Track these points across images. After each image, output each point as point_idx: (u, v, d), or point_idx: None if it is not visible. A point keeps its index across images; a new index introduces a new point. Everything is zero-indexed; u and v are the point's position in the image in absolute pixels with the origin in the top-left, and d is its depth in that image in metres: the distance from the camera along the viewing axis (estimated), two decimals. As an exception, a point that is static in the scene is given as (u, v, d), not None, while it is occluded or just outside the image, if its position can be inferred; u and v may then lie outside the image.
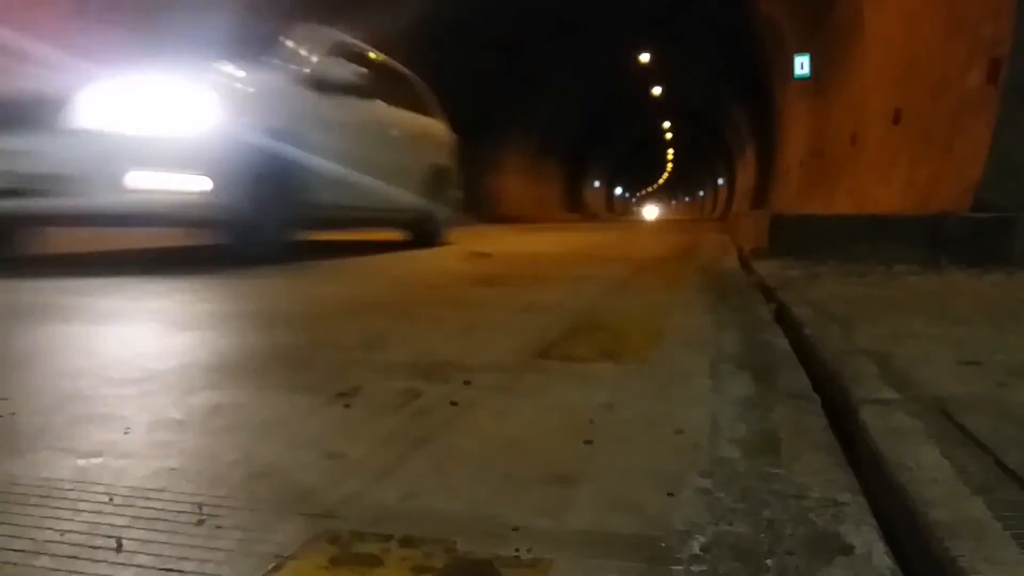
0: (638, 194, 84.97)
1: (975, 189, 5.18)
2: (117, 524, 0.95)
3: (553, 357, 1.95)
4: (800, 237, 5.03)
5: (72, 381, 1.66)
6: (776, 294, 3.18)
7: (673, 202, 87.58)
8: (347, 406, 1.49)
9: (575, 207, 41.71)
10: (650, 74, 28.76)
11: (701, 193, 66.52)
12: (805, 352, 2.05)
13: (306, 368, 1.83)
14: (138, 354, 1.98)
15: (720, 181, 47.13)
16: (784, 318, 2.70)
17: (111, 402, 1.50)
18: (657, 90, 32.11)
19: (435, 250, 6.94)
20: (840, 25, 10.16)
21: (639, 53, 25.64)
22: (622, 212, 69.06)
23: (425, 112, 7.52)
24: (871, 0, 8.59)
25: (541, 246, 7.74)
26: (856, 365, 1.75)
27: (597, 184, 51.98)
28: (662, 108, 36.83)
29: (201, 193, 4.20)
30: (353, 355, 1.98)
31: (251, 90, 4.78)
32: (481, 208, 24.07)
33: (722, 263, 5.03)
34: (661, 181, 78.76)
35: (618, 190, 68.75)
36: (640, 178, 73.52)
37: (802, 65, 12.37)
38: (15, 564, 0.86)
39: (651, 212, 73.13)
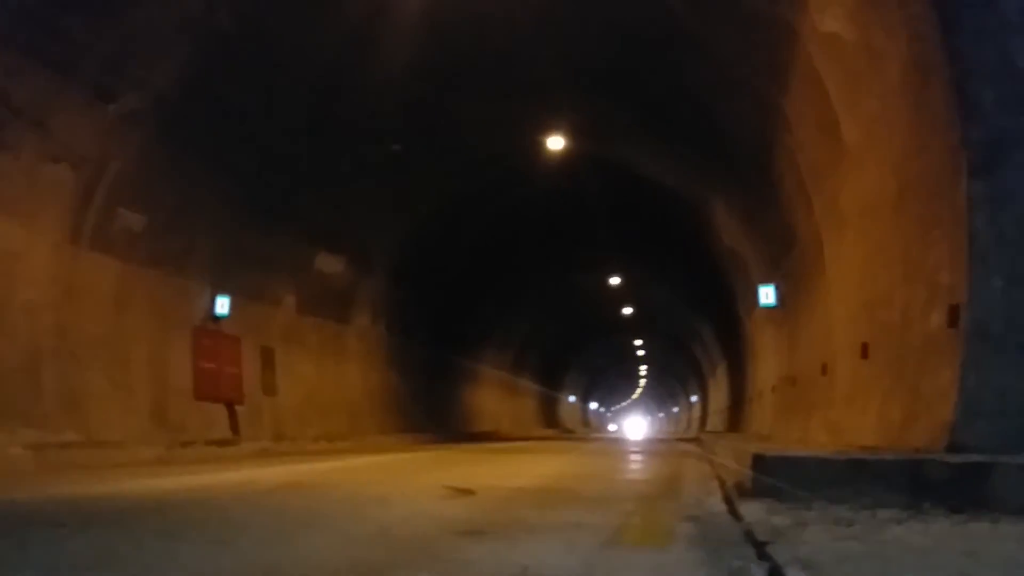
0: (612, 409, 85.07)
1: (949, 429, 5.31)
2: None
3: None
4: (783, 477, 5.06)
5: None
6: (767, 550, 3.18)
7: (648, 418, 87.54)
8: None
9: (551, 422, 41.64)
10: (621, 295, 29.82)
11: (675, 409, 66.70)
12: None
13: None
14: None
15: (693, 398, 47.46)
16: (780, 585, 2.69)
17: None
18: (628, 310, 33.14)
19: (410, 483, 6.86)
20: (802, 261, 10.74)
21: (610, 276, 26.75)
22: (597, 427, 68.83)
23: None
24: (831, 241, 9.15)
25: (522, 477, 7.68)
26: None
27: (572, 399, 52.18)
28: (633, 326, 37.81)
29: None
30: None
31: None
32: (457, 424, 23.98)
33: (707, 505, 5.01)
34: (635, 396, 79.17)
35: (593, 404, 68.92)
36: (614, 394, 73.95)
37: (767, 295, 12.90)
38: None
39: (632, 428, 73.09)
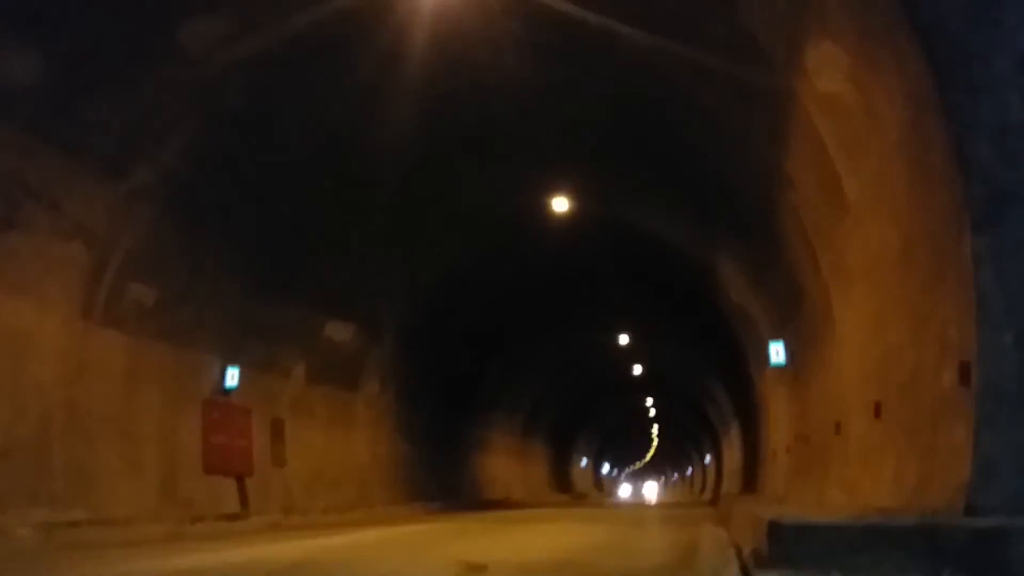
0: (625, 471, 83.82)
1: (966, 489, 5.21)
2: None
3: None
4: (800, 544, 4.95)
5: None
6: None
7: (662, 479, 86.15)
8: None
9: (563, 487, 41.01)
10: (630, 354, 29.65)
11: (689, 471, 65.72)
12: None
13: None
14: None
15: (707, 459, 46.81)
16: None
17: None
18: (638, 369, 32.89)
19: (422, 558, 6.75)
20: (811, 318, 10.69)
21: (619, 335, 26.64)
22: (610, 491, 67.80)
23: None
24: (839, 298, 9.12)
25: (536, 549, 7.55)
26: None
27: (584, 462, 51.48)
28: (644, 386, 37.50)
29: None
30: None
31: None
32: (468, 491, 23.64)
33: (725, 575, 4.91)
34: (648, 458, 78.07)
35: (605, 467, 67.97)
36: (626, 456, 72.92)
37: (777, 352, 12.78)
38: None
39: (646, 491, 72.03)
